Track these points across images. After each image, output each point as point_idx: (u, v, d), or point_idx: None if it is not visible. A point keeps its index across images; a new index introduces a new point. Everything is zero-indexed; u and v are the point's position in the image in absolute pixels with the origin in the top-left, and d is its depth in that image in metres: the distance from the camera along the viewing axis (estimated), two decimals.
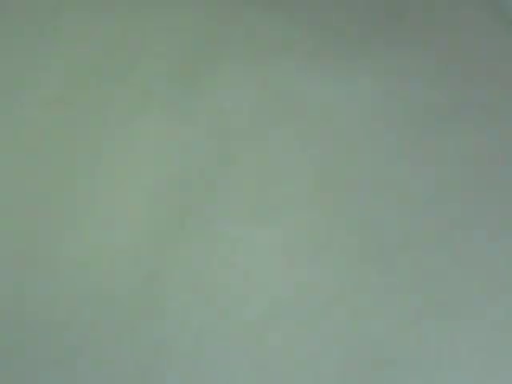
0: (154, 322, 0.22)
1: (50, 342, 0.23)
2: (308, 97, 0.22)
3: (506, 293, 0.23)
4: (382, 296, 0.22)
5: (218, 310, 0.22)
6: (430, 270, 0.22)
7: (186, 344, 0.22)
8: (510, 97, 0.23)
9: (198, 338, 0.22)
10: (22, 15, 0.28)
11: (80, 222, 0.23)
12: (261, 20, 0.24)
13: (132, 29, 0.26)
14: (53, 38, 0.27)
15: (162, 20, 0.25)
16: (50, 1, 0.29)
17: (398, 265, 0.22)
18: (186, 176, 0.23)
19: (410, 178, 0.21)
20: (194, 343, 0.22)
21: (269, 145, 0.22)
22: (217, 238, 0.22)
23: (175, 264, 0.22)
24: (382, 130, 0.21)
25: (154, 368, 0.23)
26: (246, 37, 0.23)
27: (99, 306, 0.23)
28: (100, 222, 0.23)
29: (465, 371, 0.23)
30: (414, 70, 0.22)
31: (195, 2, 0.25)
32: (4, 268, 0.24)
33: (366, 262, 0.21)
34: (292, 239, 0.21)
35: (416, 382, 0.22)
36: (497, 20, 0.25)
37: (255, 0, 0.23)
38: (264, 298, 0.23)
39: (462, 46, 0.23)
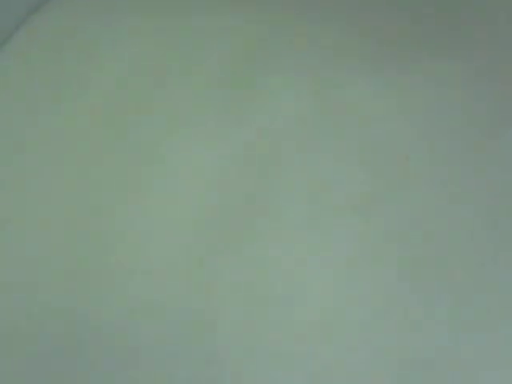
0: (205, 335, 0.22)
1: (101, 352, 0.24)
2: (359, 109, 0.22)
3: None
4: (433, 309, 0.21)
5: (269, 321, 0.22)
6: (481, 282, 0.22)
7: (237, 356, 0.22)
8: None
9: (249, 350, 0.22)
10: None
11: (130, 232, 0.23)
12: (312, 29, 0.23)
13: (184, 29, 0.26)
14: (104, 42, 0.28)
15: (214, 21, 0.25)
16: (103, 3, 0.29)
17: (448, 277, 0.22)
18: (237, 178, 0.23)
19: (463, 188, 0.21)
20: (244, 355, 0.22)
21: (318, 155, 0.22)
22: (268, 247, 0.22)
23: (226, 274, 0.22)
24: (434, 141, 0.21)
25: (205, 380, 0.23)
26: (296, 44, 0.23)
27: (151, 317, 0.23)
28: (151, 231, 0.23)
29: None
30: (461, 83, 0.22)
31: (247, 5, 0.25)
32: (59, 275, 0.25)
33: (417, 275, 0.21)
34: (343, 250, 0.21)
35: None
36: None
37: (307, 9, 0.23)
38: (315, 310, 0.22)
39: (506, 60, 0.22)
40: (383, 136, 0.21)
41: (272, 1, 0.26)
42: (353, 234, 0.21)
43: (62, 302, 0.24)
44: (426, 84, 0.22)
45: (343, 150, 0.21)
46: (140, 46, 0.27)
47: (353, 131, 0.22)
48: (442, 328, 0.21)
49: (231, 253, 0.22)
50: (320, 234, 0.22)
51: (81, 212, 0.23)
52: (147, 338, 0.23)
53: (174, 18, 0.27)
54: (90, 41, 0.27)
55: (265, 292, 0.22)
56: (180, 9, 0.27)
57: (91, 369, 0.24)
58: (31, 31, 0.27)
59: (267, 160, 0.23)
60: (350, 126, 0.21)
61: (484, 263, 0.22)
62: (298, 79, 0.23)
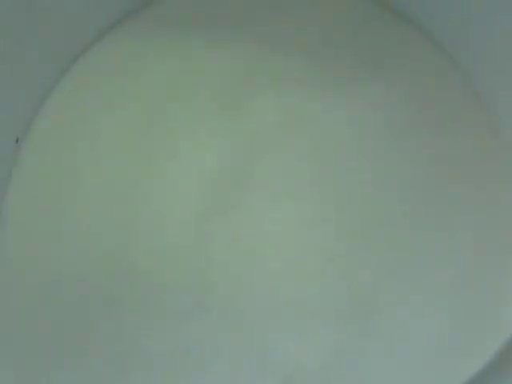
0: (203, 273, 0.30)
1: (128, 286, 0.31)
2: (315, 120, 0.30)
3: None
4: (364, 254, 0.30)
5: (249, 266, 0.30)
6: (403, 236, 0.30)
7: (225, 288, 0.30)
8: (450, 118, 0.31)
9: (234, 284, 0.30)
10: None
11: (154, 198, 0.30)
12: (285, 60, 0.30)
13: (186, 59, 0.33)
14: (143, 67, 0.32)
15: (211, 53, 0.32)
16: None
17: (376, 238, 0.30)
18: (228, 171, 0.31)
19: (385, 175, 0.29)
20: (231, 288, 0.30)
21: (288, 153, 0.30)
22: (251, 215, 0.30)
23: (221, 230, 0.30)
24: (365, 143, 0.29)
25: (200, 302, 0.31)
26: (276, 71, 0.30)
27: (166, 258, 0.31)
28: (168, 199, 0.30)
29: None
30: (386, 104, 0.30)
31: (232, 45, 0.31)
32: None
33: (352, 234, 0.29)
34: (303, 214, 0.29)
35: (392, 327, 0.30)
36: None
37: (281, 46, 0.30)
38: (280, 259, 0.30)
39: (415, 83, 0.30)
40: (331, 139, 0.29)
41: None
42: (309, 206, 0.30)
43: (101, 251, 0.30)
44: (361, 103, 0.30)
45: (304, 149, 0.29)
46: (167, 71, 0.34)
47: (311, 136, 0.30)
48: (370, 272, 0.30)
49: (225, 214, 0.30)
50: (286, 205, 0.30)
51: (124, 184, 0.30)
52: (166, 278, 0.30)
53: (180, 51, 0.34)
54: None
55: (247, 242, 0.30)
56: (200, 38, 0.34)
57: (119, 304, 0.31)
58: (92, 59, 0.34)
59: (249, 152, 0.31)
60: (310, 133, 0.29)
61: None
62: (276, 98, 0.30)
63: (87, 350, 0.29)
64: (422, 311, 0.29)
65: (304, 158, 0.30)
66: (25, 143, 0.32)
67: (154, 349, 0.29)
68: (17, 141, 0.32)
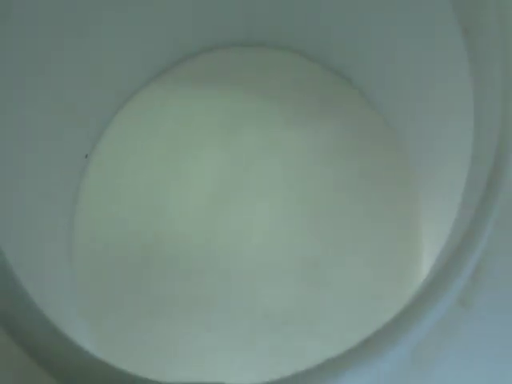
0: (209, 243, 0.38)
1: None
2: (285, 144, 0.40)
3: None
4: (319, 231, 0.39)
5: (241, 239, 0.39)
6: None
7: (225, 255, 0.39)
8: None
9: (231, 251, 0.39)
10: None
11: (177, 191, 0.40)
12: (263, 103, 0.41)
13: (198, 105, 0.42)
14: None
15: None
16: None
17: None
18: (225, 179, 0.40)
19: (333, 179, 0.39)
20: (229, 254, 0.39)
21: (267, 166, 0.40)
22: (242, 207, 0.39)
23: (222, 218, 0.39)
24: (316, 158, 0.40)
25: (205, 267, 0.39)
26: (257, 111, 0.41)
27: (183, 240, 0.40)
28: (185, 196, 0.40)
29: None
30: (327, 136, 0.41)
31: (228, 94, 0.41)
32: None
33: (309, 219, 0.39)
34: (278, 207, 0.39)
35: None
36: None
37: (259, 94, 0.41)
38: (263, 234, 0.39)
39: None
40: (295, 156, 0.40)
41: None
42: (279, 203, 0.39)
43: (139, 239, 0.39)
44: (315, 136, 0.40)
45: (278, 164, 0.39)
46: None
47: (281, 155, 0.41)
48: (321, 242, 0.39)
49: (225, 210, 0.39)
50: (266, 201, 0.39)
51: (155, 191, 0.40)
52: (179, 250, 0.39)
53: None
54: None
55: (240, 229, 0.39)
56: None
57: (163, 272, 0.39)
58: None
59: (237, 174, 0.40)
60: (280, 154, 0.40)
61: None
62: (256, 133, 0.41)
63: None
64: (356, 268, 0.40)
65: (278, 169, 0.41)
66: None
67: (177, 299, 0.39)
68: (86, 156, 0.40)
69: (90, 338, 0.38)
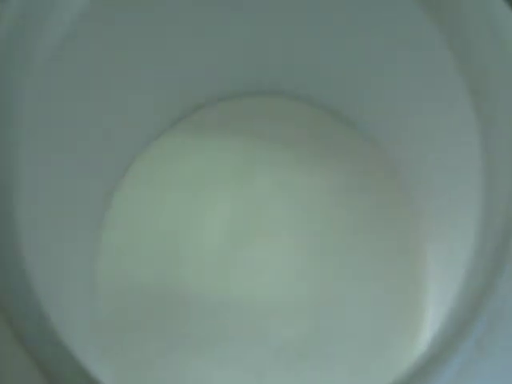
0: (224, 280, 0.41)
1: None
2: (296, 189, 0.42)
3: None
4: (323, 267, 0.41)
5: (254, 274, 0.41)
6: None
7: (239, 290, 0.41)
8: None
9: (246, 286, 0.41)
10: None
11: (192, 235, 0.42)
12: (273, 152, 0.43)
13: (211, 155, 0.44)
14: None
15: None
16: None
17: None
18: (240, 224, 0.42)
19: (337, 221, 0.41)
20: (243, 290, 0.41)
21: (279, 210, 0.42)
22: (255, 249, 0.42)
23: (236, 259, 0.41)
24: (324, 200, 0.42)
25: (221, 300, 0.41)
26: (269, 159, 0.43)
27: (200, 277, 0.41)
28: (200, 238, 0.42)
29: None
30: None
31: (242, 145, 0.44)
32: None
33: (314, 255, 0.41)
34: (289, 245, 0.41)
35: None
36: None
37: (269, 144, 0.43)
38: (275, 270, 0.41)
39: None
40: (305, 199, 0.42)
41: None
42: (290, 242, 0.42)
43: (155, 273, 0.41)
44: (322, 181, 0.42)
45: (289, 207, 0.42)
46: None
47: (293, 200, 0.42)
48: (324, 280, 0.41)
49: (239, 252, 0.41)
50: (278, 241, 0.41)
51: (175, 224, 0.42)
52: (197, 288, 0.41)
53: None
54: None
55: (254, 265, 0.41)
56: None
57: None
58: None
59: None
60: (292, 199, 0.43)
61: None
62: (268, 180, 0.43)
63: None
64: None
65: (289, 212, 0.43)
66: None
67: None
68: None
69: (107, 374, 0.40)
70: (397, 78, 0.37)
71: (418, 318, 0.40)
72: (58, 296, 0.30)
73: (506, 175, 0.25)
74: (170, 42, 0.39)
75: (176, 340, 0.41)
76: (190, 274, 0.42)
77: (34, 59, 0.29)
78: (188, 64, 0.41)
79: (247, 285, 0.41)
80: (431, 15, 0.29)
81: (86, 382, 0.25)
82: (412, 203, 0.42)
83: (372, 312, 0.40)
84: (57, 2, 0.29)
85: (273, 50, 0.41)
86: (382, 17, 0.35)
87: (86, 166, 0.36)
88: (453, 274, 0.33)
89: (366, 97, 0.41)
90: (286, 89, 0.44)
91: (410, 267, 0.41)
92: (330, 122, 0.45)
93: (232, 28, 0.40)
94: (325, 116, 0.45)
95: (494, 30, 0.27)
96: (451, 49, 0.29)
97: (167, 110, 0.43)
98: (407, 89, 0.37)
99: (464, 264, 0.27)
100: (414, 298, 0.41)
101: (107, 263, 0.42)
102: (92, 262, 0.41)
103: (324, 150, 0.44)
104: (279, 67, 0.42)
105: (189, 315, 0.41)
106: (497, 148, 0.27)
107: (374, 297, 0.41)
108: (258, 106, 0.45)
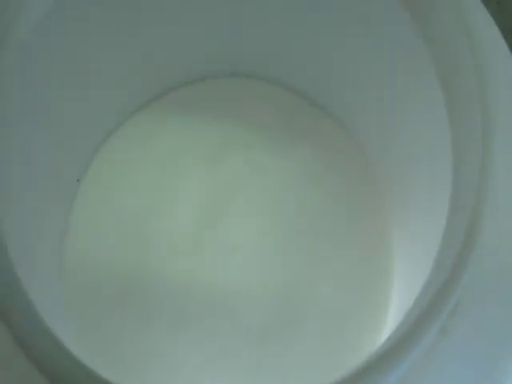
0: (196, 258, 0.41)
1: None
2: (267, 171, 0.43)
3: None
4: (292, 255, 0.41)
5: (226, 252, 0.41)
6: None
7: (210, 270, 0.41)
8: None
9: (216, 266, 0.41)
10: None
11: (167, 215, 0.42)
12: (248, 135, 0.43)
13: (186, 136, 0.44)
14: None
15: None
16: None
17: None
18: (212, 203, 0.42)
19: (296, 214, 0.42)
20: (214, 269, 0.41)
21: (251, 191, 0.42)
22: (227, 227, 0.42)
23: (208, 238, 0.41)
24: (295, 182, 0.42)
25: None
26: (244, 140, 0.43)
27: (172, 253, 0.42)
28: (178, 218, 0.42)
29: None
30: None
31: (217, 126, 0.43)
32: None
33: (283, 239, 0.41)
34: (260, 227, 0.42)
35: None
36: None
37: (244, 127, 0.43)
38: (245, 250, 0.42)
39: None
40: (277, 182, 0.42)
41: None
42: (263, 223, 0.42)
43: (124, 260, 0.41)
44: (293, 163, 0.43)
45: (260, 188, 0.42)
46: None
47: (263, 181, 0.42)
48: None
49: (212, 231, 0.41)
50: (251, 222, 0.42)
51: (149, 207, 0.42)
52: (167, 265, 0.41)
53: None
54: None
55: (225, 245, 0.41)
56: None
57: None
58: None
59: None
60: (263, 180, 0.42)
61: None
62: (242, 160, 0.43)
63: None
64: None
65: (261, 194, 0.43)
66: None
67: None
68: (78, 180, 0.41)
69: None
70: (370, 65, 0.38)
71: (386, 298, 0.41)
72: (28, 273, 0.30)
73: (474, 151, 0.25)
74: (145, 22, 0.38)
75: (147, 319, 0.41)
76: (162, 254, 0.42)
77: (13, 34, 0.29)
78: (163, 45, 0.41)
79: (219, 265, 0.42)
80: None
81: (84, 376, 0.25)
82: (380, 186, 0.43)
83: (343, 293, 0.41)
84: None
85: (248, 33, 0.41)
86: (356, 3, 0.35)
87: (59, 145, 0.37)
88: (420, 252, 0.33)
89: (340, 82, 0.41)
90: (261, 72, 0.44)
91: (379, 249, 0.42)
92: (303, 106, 0.45)
93: (207, 10, 0.40)
94: (299, 100, 0.45)
95: (466, 27, 0.28)
96: (424, 37, 0.30)
97: (140, 91, 0.43)
98: (379, 75, 0.38)
99: (430, 245, 0.28)
100: (382, 278, 0.42)
101: (77, 243, 0.42)
102: (62, 241, 0.41)
103: (297, 134, 0.44)
104: (254, 51, 0.42)
105: (160, 295, 0.41)
106: (464, 124, 0.27)
107: (345, 278, 0.41)
108: (233, 89, 0.45)
